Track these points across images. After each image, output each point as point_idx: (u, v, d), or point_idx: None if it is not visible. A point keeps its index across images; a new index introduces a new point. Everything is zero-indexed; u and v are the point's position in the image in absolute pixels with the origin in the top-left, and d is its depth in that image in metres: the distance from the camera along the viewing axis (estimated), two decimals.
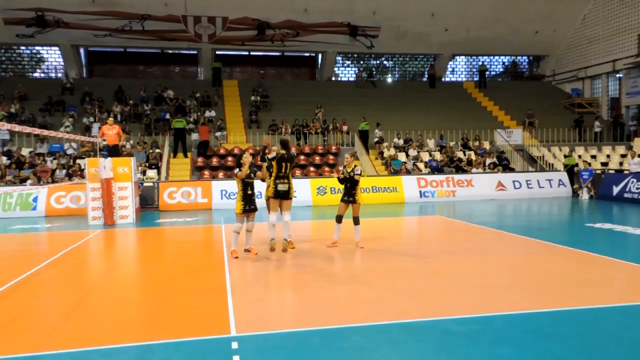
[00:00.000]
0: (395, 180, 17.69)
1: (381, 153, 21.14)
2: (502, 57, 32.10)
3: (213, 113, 23.07)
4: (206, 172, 19.08)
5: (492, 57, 31.83)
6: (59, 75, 27.39)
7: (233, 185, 15.32)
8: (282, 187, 7.97)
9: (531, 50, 30.40)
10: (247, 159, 8.03)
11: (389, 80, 31.55)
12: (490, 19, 26.81)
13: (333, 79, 29.90)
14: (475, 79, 30.57)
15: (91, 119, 21.24)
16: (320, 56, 29.35)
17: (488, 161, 20.35)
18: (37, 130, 10.02)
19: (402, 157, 20.77)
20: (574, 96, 27.95)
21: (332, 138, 22.17)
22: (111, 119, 14.82)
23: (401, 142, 21.95)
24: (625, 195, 16.22)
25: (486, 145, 22.12)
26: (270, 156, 8.27)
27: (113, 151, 13.92)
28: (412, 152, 21.10)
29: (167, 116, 21.97)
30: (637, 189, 15.84)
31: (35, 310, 5.68)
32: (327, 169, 19.96)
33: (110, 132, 14.08)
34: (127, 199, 13.06)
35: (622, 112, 25.70)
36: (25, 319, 5.29)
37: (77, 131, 20.18)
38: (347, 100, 25.62)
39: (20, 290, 6.49)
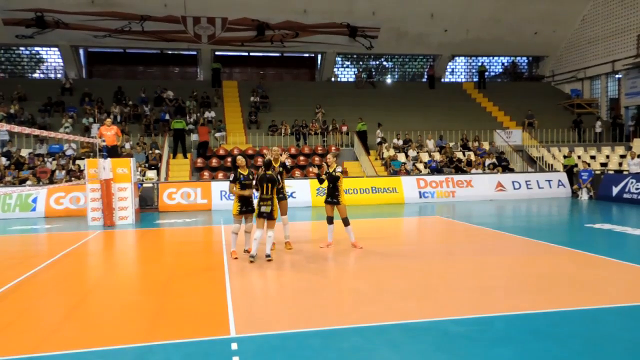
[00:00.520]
0: (394, 181, 17.70)
1: (382, 154, 21.15)
2: (502, 58, 32.11)
3: (212, 114, 23.07)
4: (206, 173, 19.06)
5: (491, 58, 31.84)
6: (59, 76, 27.40)
7: None
8: (264, 208, 7.67)
9: (530, 51, 30.43)
10: (241, 161, 8.00)
11: (389, 80, 31.56)
12: (489, 19, 26.84)
13: (332, 79, 29.88)
14: (475, 79, 30.61)
15: (91, 119, 21.25)
16: (319, 57, 29.38)
17: (487, 162, 20.36)
18: (36, 131, 10.04)
19: (401, 157, 20.77)
20: (573, 97, 27.97)
21: (332, 139, 22.18)
22: (109, 120, 14.77)
23: (400, 142, 21.95)
24: (625, 195, 16.23)
25: (486, 145, 22.12)
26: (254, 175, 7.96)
27: (112, 152, 13.89)
28: (412, 153, 21.11)
29: (167, 117, 21.99)
30: (637, 189, 15.86)
31: (34, 311, 5.67)
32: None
33: (109, 133, 14.05)
34: (127, 199, 13.06)
35: (622, 113, 25.71)
36: (25, 320, 5.29)
37: (77, 132, 20.17)
38: (347, 101, 25.61)
39: (20, 291, 6.49)
